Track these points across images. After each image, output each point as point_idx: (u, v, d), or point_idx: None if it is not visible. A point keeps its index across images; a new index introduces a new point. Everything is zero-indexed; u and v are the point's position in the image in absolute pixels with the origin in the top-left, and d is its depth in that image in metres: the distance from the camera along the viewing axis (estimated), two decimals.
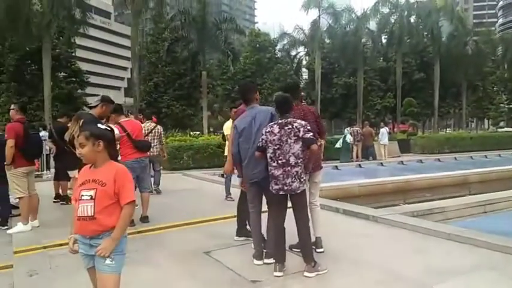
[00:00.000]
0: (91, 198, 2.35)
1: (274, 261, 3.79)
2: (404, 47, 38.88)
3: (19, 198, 5.80)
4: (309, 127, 3.76)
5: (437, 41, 38.25)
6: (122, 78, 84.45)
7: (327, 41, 41.45)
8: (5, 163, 5.62)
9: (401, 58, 38.82)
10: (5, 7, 21.93)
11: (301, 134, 3.68)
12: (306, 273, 3.63)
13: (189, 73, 35.28)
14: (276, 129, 3.76)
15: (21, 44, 25.13)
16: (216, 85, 41.63)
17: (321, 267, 3.69)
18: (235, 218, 5.01)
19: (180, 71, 35.43)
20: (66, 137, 6.52)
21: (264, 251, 4.04)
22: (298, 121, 3.78)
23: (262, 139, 3.80)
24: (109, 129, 2.62)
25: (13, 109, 6.03)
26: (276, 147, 3.72)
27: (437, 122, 43.73)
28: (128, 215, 2.40)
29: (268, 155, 3.77)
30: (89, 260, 2.45)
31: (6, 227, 6.00)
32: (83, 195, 2.38)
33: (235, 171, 4.62)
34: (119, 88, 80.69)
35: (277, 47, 47.04)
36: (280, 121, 3.80)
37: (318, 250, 4.27)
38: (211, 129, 38.10)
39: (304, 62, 49.06)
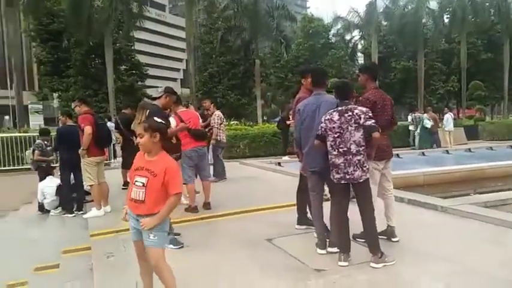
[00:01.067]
0: (143, 185, 2.68)
1: (338, 250, 3.75)
2: (469, 26, 36.15)
3: (90, 185, 6.21)
4: (370, 114, 3.64)
5: (506, 18, 35.22)
6: (178, 70, 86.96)
7: (384, 23, 39.69)
8: (82, 148, 5.98)
9: (466, 38, 36.25)
10: (70, 4, 23.35)
11: (362, 121, 3.57)
12: (372, 264, 3.55)
13: (242, 62, 35.52)
14: (335, 116, 3.67)
15: (85, 39, 26.63)
16: (269, 73, 41.59)
17: (388, 258, 3.59)
18: (295, 207, 5.02)
19: (234, 61, 35.73)
20: (133, 127, 6.85)
21: (327, 240, 4.00)
22: (359, 108, 3.67)
23: (322, 127, 3.73)
24: (164, 122, 2.89)
25: (76, 105, 6.35)
26: (336, 135, 3.64)
27: (508, 107, 40.55)
28: (174, 203, 2.70)
29: (328, 143, 3.70)
30: (136, 233, 2.81)
31: (81, 212, 6.48)
32: (136, 181, 2.72)
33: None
34: (175, 79, 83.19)
35: (331, 32, 45.84)
36: (340, 108, 3.70)
37: (393, 239, 4.17)
38: (264, 118, 38.21)
39: (359, 47, 47.42)
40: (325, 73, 4.46)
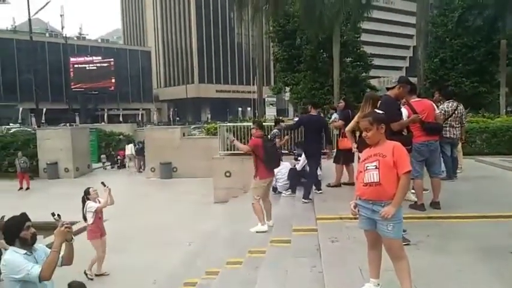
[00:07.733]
0: (375, 168, 2.76)
1: None
2: None
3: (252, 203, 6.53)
4: None
5: None
6: (404, 58, 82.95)
7: None
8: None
9: None
10: (303, 4, 25.39)
11: None
12: None
13: (483, 44, 30.70)
14: None
15: (315, 35, 28.37)
16: None
17: None
18: None
19: (472, 43, 31.25)
20: (356, 118, 6.93)
21: None
22: None
23: None
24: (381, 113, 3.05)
25: (253, 127, 6.72)
26: None
27: None
28: (405, 184, 2.73)
29: None
30: (368, 222, 2.86)
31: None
32: (368, 167, 2.82)
33: None
34: (400, 68, 79.75)
35: None
36: None
37: None
38: (508, 109, 32.10)
39: None
40: None
